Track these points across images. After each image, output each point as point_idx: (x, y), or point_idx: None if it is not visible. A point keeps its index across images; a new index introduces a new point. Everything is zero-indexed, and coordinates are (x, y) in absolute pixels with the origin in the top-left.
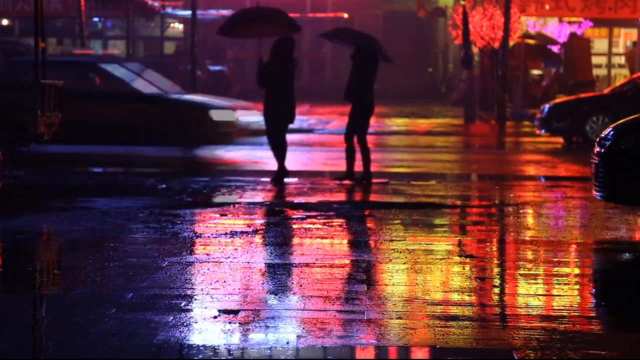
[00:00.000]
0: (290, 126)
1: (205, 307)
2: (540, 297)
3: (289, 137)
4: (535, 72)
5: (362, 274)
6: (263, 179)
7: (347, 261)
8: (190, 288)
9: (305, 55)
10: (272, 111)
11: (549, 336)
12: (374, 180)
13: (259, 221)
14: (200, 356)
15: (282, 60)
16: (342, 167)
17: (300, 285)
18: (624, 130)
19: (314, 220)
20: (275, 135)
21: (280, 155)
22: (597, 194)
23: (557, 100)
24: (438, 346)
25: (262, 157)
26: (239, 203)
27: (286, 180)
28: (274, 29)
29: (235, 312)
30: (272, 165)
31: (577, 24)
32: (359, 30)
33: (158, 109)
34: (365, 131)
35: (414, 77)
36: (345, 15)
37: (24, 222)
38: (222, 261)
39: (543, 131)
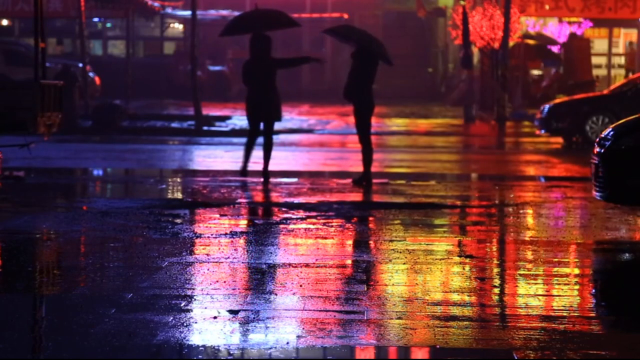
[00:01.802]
0: (290, 126)
1: (205, 307)
2: (540, 297)
3: (289, 137)
4: (535, 72)
5: (362, 274)
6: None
7: (347, 261)
8: (190, 288)
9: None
10: (250, 109)
11: (549, 336)
12: (374, 180)
13: (258, 221)
14: (200, 356)
15: (257, 58)
16: (341, 167)
17: (300, 285)
18: (624, 130)
19: (314, 220)
20: (253, 134)
21: (266, 155)
22: (597, 194)
23: (557, 101)
24: (438, 346)
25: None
26: (239, 203)
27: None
28: (274, 25)
29: (235, 312)
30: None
31: (577, 24)
32: (362, 29)
33: None
34: (367, 131)
35: (414, 77)
36: (345, 16)
37: (24, 222)
38: (222, 261)
39: (543, 131)
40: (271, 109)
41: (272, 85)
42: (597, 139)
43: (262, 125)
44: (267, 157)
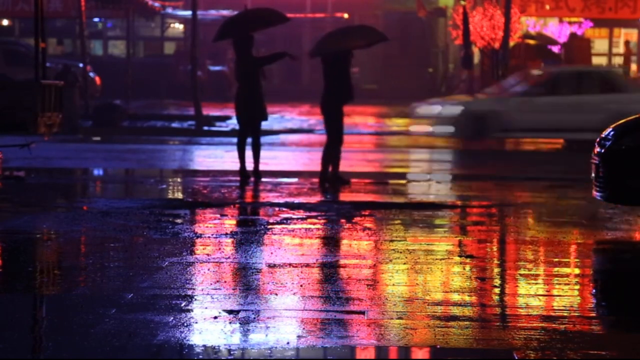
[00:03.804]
0: (291, 126)
1: (206, 307)
2: (540, 297)
3: (289, 137)
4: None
5: (363, 274)
6: (264, 179)
7: (347, 261)
8: (191, 288)
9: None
10: (238, 109)
11: (549, 336)
12: (374, 181)
13: (258, 221)
14: (200, 356)
15: (241, 58)
16: (341, 167)
17: (301, 285)
18: (624, 130)
19: (314, 220)
20: (242, 134)
21: (255, 155)
22: (597, 194)
23: None
24: (438, 346)
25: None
26: (239, 203)
27: (251, 181)
28: (265, 24)
29: (235, 312)
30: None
31: (577, 24)
32: (329, 36)
33: None
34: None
35: (414, 77)
36: (346, 16)
37: (24, 222)
38: (222, 261)
39: None
40: (257, 109)
41: (256, 85)
42: (598, 139)
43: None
44: (256, 157)
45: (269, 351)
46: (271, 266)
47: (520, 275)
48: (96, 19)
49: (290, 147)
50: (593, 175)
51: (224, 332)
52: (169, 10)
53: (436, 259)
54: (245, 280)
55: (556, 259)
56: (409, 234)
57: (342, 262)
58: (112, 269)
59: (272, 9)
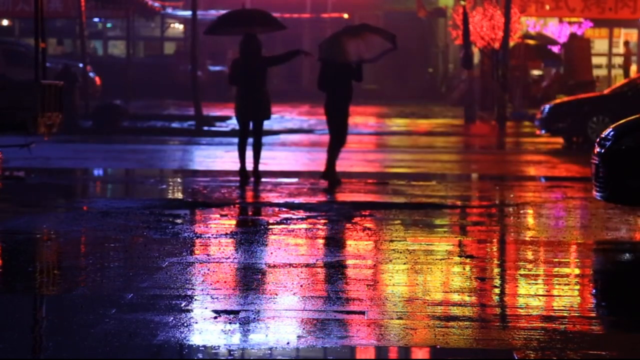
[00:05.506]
0: (291, 126)
1: (206, 308)
2: (540, 298)
3: (289, 137)
4: (535, 72)
5: (363, 274)
6: (264, 179)
7: (347, 261)
8: (191, 288)
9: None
10: (239, 108)
11: (549, 336)
12: (373, 180)
13: (258, 221)
14: (200, 356)
15: (246, 57)
16: (342, 167)
17: (300, 285)
18: (624, 130)
19: (314, 220)
20: (243, 133)
21: (255, 155)
22: (597, 194)
23: (558, 101)
24: (438, 346)
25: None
26: (239, 203)
27: (250, 182)
28: (259, 28)
29: (235, 312)
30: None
31: (577, 24)
32: (333, 37)
33: None
34: (329, 131)
35: (414, 77)
36: (346, 16)
37: (24, 222)
38: (222, 261)
39: (543, 131)
40: (259, 108)
41: (262, 85)
42: (598, 139)
43: (251, 125)
44: (257, 157)
45: (269, 351)
46: (271, 266)
47: (521, 275)
48: (96, 19)
49: (290, 147)
50: (593, 175)
51: (224, 332)
52: (169, 10)
53: (436, 259)
54: (245, 280)
55: (556, 259)
56: (409, 234)
57: (342, 262)
58: (112, 269)
59: (270, 14)
